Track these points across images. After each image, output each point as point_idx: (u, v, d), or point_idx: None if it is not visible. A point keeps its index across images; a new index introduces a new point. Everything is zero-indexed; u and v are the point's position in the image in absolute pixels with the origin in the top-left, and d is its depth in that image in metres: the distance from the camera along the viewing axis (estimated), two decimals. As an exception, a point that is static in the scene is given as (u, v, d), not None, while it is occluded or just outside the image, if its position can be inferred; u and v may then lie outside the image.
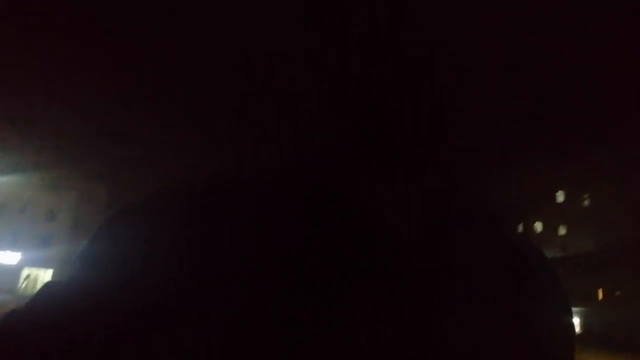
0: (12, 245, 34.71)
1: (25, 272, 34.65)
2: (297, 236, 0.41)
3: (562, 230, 34.40)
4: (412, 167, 0.46)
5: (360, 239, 0.42)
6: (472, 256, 0.44)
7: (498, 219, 0.50)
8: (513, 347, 0.42)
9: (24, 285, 33.43)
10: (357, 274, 0.40)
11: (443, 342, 0.39)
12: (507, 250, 0.47)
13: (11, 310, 0.40)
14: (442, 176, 0.50)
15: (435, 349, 0.39)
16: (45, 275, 35.82)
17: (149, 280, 0.38)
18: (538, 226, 35.06)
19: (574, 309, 0.50)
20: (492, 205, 0.50)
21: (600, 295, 30.46)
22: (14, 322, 0.39)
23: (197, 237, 0.40)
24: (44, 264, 35.13)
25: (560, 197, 34.61)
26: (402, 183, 0.46)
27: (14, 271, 34.18)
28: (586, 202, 33.34)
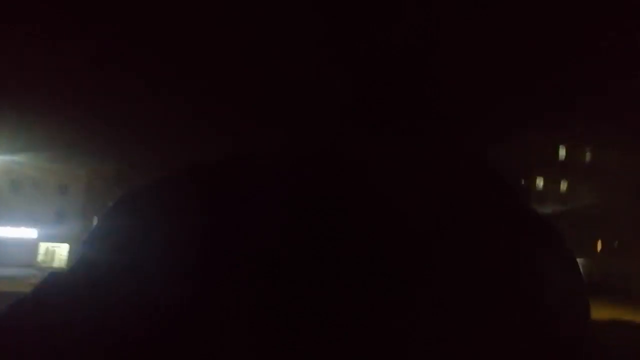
0: (28, 221, 35.69)
1: (43, 246, 35.79)
2: (301, 233, 0.39)
3: (563, 186, 34.75)
4: (420, 141, 0.44)
5: (370, 234, 0.40)
6: (484, 230, 0.42)
7: (508, 187, 0.47)
8: (527, 319, 0.40)
9: (43, 258, 34.64)
10: (371, 271, 0.38)
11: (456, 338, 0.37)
12: (520, 221, 0.45)
13: (17, 300, 0.39)
14: (451, 149, 0.47)
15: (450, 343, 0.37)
16: (61, 249, 37.00)
17: (152, 270, 0.37)
18: (539, 182, 35.44)
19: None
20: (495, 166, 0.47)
21: (599, 247, 31.20)
22: (19, 312, 0.38)
23: (203, 227, 0.39)
24: (59, 239, 36.16)
25: (562, 152, 34.75)
26: (413, 162, 0.44)
27: (32, 246, 35.31)
28: (587, 157, 33.59)
